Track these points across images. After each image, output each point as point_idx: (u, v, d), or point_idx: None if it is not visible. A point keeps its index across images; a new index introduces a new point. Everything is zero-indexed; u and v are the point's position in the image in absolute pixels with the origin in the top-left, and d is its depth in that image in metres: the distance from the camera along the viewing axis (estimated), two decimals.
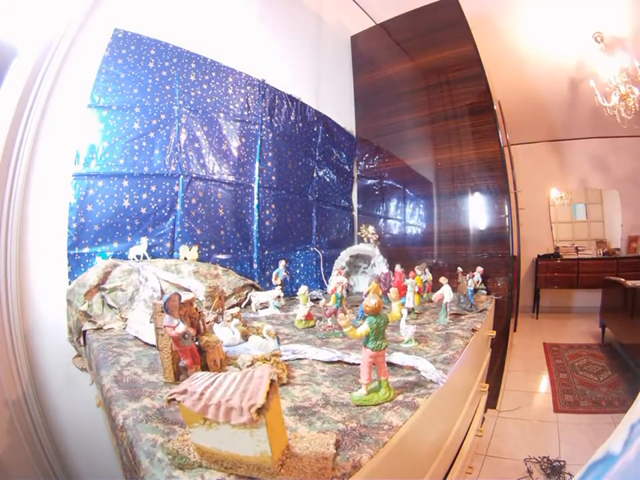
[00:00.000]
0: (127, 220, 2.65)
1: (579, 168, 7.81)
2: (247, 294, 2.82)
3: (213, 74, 3.16)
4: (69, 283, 2.39)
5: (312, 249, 3.93)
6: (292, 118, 3.82)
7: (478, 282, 3.01)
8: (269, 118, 3.56)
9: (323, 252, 4.03)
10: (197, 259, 2.87)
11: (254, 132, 3.43)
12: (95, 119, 2.55)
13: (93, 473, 2.39)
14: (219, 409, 0.76)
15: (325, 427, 1.03)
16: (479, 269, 3.06)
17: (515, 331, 5.87)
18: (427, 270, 3.18)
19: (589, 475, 0.38)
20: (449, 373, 1.45)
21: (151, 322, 1.61)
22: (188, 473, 0.82)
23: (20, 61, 2.24)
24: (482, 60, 3.76)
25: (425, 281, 3.09)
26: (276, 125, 3.64)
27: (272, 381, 0.78)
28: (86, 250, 2.48)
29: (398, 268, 2.90)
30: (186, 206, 2.92)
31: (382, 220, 4.47)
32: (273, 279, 3.00)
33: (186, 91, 2.98)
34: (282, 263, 3.09)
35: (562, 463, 2.70)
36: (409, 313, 2.38)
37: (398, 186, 4.40)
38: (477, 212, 3.80)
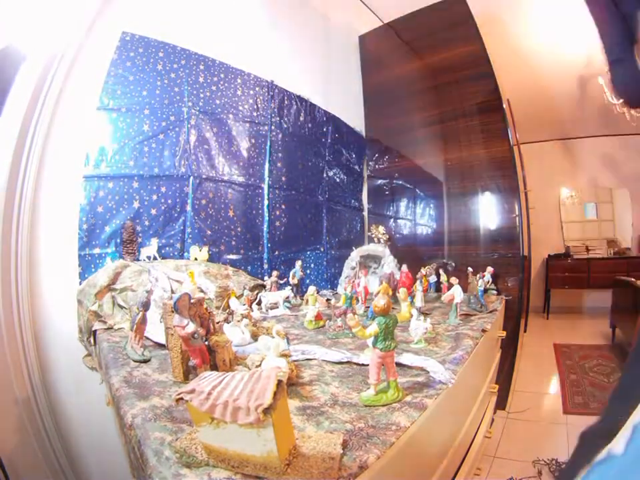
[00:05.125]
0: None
1: (589, 166, 7.74)
2: (257, 294, 2.83)
3: (222, 75, 3.17)
4: (80, 283, 2.41)
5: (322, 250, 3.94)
6: (301, 118, 3.83)
7: (488, 282, 3.00)
8: (278, 119, 3.57)
9: (333, 252, 4.04)
10: (207, 259, 2.89)
11: (263, 133, 3.44)
12: (104, 121, 2.57)
13: (101, 471, 2.40)
14: (226, 409, 0.76)
15: (333, 426, 1.03)
16: (489, 269, 3.05)
17: (525, 331, 5.82)
18: (441, 271, 3.21)
19: (591, 475, 0.38)
20: (458, 374, 1.44)
21: (161, 321, 1.62)
22: (195, 472, 0.83)
23: (29, 65, 2.26)
24: (490, 58, 3.74)
25: (441, 282, 3.16)
26: (285, 126, 3.65)
27: (279, 381, 0.78)
28: (96, 251, 2.50)
29: (404, 268, 2.90)
30: (196, 207, 2.93)
31: (392, 220, 4.46)
32: (289, 279, 3.04)
33: (195, 92, 2.99)
34: (298, 263, 3.13)
35: None
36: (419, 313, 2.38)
37: (408, 186, 4.39)
38: (487, 211, 3.79)
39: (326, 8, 4.32)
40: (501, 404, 3.44)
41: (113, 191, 2.58)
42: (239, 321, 1.87)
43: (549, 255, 7.66)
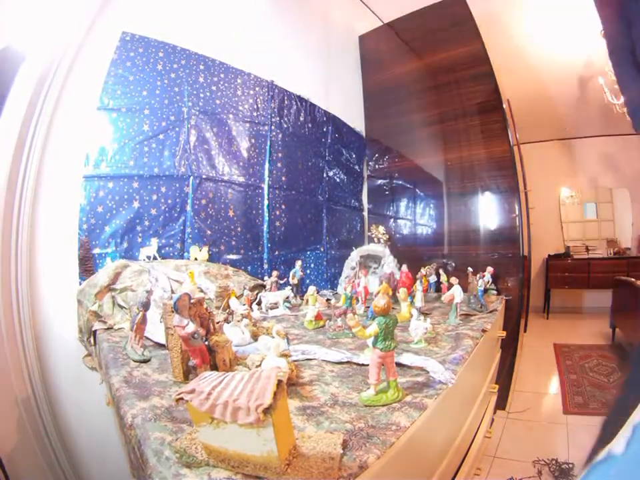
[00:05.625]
0: (137, 221, 2.67)
1: (589, 166, 7.73)
2: (257, 294, 2.83)
3: (222, 75, 3.17)
4: (80, 284, 2.41)
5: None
6: (301, 118, 3.83)
7: (488, 282, 3.00)
8: (278, 119, 3.57)
9: (333, 252, 4.04)
10: (207, 259, 2.89)
11: (263, 133, 3.44)
12: (104, 121, 2.57)
13: (101, 471, 2.40)
14: (226, 409, 0.76)
15: (333, 426, 1.03)
16: (489, 269, 3.05)
17: (525, 331, 5.82)
18: (441, 271, 3.22)
19: (591, 475, 0.38)
20: (458, 374, 1.44)
21: (161, 322, 1.62)
22: (195, 472, 0.83)
23: (28, 65, 2.26)
24: (490, 58, 3.74)
25: (441, 282, 3.18)
26: (285, 126, 3.64)
27: (279, 381, 0.78)
28: (96, 251, 2.50)
29: (404, 268, 2.91)
30: (196, 207, 2.93)
31: (392, 220, 4.46)
32: (289, 279, 3.05)
33: (195, 92, 2.99)
34: (298, 263, 3.14)
35: (571, 466, 2.68)
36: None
37: (408, 186, 4.39)
38: (487, 211, 3.78)
39: (326, 8, 4.32)
40: (501, 404, 3.44)
41: (113, 191, 2.58)
42: (239, 321, 1.87)
43: (549, 255, 7.65)
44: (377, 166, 4.60)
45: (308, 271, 3.73)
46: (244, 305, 2.15)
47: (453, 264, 3.81)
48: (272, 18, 3.66)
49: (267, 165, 3.43)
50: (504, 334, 2.83)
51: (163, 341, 1.56)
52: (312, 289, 2.53)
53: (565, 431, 3.14)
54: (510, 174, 3.68)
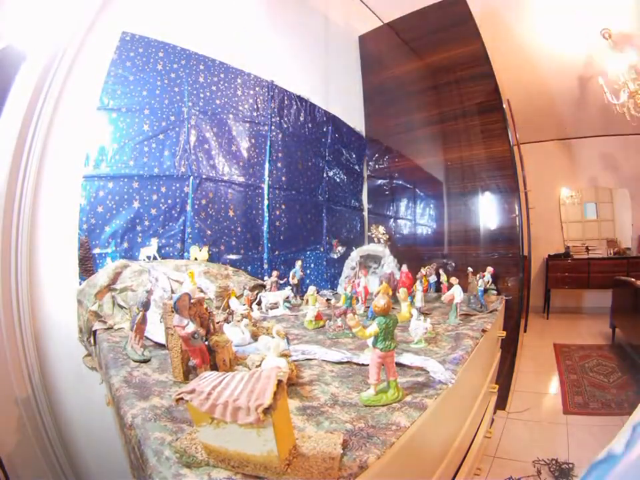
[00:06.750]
0: (137, 221, 2.66)
1: (589, 166, 7.72)
2: (257, 294, 2.83)
3: (222, 75, 3.16)
4: (80, 284, 2.40)
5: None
6: (301, 118, 3.82)
7: (488, 282, 3.00)
8: (278, 119, 3.57)
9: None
10: (207, 259, 2.89)
11: (263, 133, 3.43)
12: (104, 121, 2.57)
13: (101, 471, 2.40)
14: (226, 409, 0.76)
15: (333, 426, 1.03)
16: (489, 269, 3.05)
17: (525, 331, 5.82)
18: (441, 271, 3.21)
19: (592, 474, 0.38)
20: (458, 374, 1.44)
21: (161, 322, 1.62)
22: (195, 472, 0.83)
23: (29, 65, 2.26)
24: (490, 58, 3.74)
25: (441, 282, 3.18)
26: (285, 126, 3.64)
27: (279, 381, 0.78)
28: (97, 251, 2.50)
29: (404, 268, 2.91)
30: (196, 207, 2.93)
31: (392, 220, 4.46)
32: (289, 279, 3.05)
33: (195, 92, 2.99)
34: (298, 263, 3.15)
35: (570, 466, 2.68)
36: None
37: (408, 186, 4.39)
38: (487, 211, 3.78)
39: (326, 8, 4.32)
40: (501, 404, 3.44)
41: (113, 191, 2.57)
42: (239, 321, 1.87)
43: (549, 255, 7.64)
44: (377, 166, 4.60)
45: (308, 271, 3.73)
46: (244, 304, 2.15)
47: (453, 264, 3.81)
48: (272, 18, 3.66)
49: (267, 165, 3.43)
50: (504, 334, 2.83)
51: (163, 341, 1.56)
52: (312, 289, 2.52)
53: (565, 430, 3.13)
54: (510, 174, 3.68)
